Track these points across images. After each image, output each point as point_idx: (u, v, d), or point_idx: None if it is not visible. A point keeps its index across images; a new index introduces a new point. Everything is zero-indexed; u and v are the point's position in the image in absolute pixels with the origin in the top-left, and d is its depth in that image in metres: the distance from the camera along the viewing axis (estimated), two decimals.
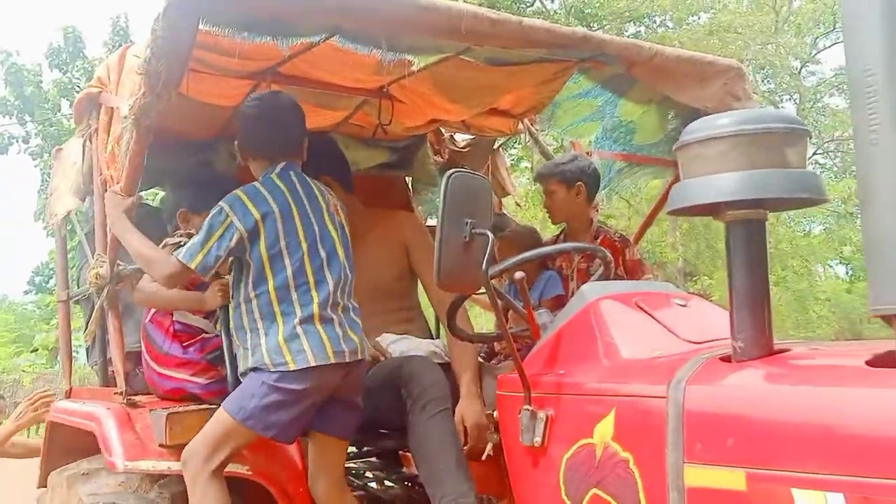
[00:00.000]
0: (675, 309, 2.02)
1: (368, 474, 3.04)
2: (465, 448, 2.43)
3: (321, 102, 3.16)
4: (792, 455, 1.33)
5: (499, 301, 1.98)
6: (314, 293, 2.20)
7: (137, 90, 2.14)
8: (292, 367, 2.14)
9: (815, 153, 19.87)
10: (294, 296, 2.20)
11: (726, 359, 1.58)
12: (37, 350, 16.49)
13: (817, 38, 20.19)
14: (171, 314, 2.60)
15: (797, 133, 1.53)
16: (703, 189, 1.52)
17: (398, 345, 2.75)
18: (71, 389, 3.07)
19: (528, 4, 17.07)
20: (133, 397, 2.55)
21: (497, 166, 4.01)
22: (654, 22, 18.89)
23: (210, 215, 2.22)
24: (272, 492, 2.39)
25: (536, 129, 3.84)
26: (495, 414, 2.23)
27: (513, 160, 10.75)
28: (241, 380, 2.27)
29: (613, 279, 2.46)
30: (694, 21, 18.87)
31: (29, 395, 3.67)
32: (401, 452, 3.01)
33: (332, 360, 2.17)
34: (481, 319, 8.56)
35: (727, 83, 2.70)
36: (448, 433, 2.37)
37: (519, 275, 2.01)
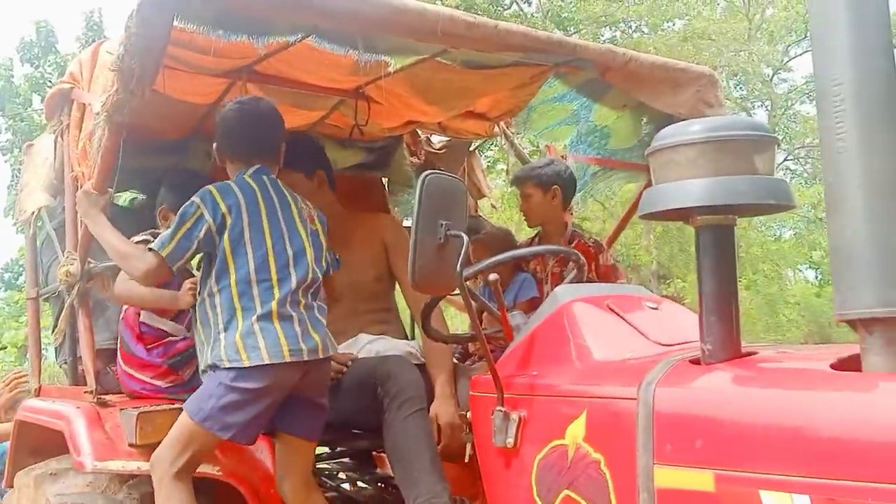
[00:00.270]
0: (646, 312, 2.04)
1: (342, 475, 3.03)
2: (438, 447, 2.43)
3: (297, 102, 3.15)
4: (759, 457, 1.35)
5: (473, 302, 1.99)
6: (276, 290, 2.20)
7: (110, 86, 2.12)
8: (246, 363, 2.12)
9: (785, 159, 20.18)
10: (255, 291, 2.19)
11: (696, 361, 1.60)
12: (6, 348, 16.19)
13: (789, 46, 20.51)
14: (139, 314, 2.60)
15: (765, 141, 1.55)
16: (673, 194, 1.54)
17: (374, 345, 2.76)
18: (40, 388, 3.03)
19: (505, 7, 17.14)
20: (103, 396, 2.52)
21: (473, 168, 4.03)
22: (630, 27, 19.07)
23: (182, 208, 2.24)
24: (243, 493, 2.37)
25: (512, 133, 3.87)
26: (469, 414, 2.24)
27: (489, 162, 10.78)
28: (202, 379, 2.26)
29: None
30: (669, 27, 19.08)
31: None
32: (374, 453, 3.02)
33: (288, 359, 2.16)
34: (456, 321, 8.57)
35: (700, 90, 2.73)
36: (424, 433, 2.37)
37: (493, 276, 2.02)
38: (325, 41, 2.37)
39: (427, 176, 1.81)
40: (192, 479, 2.21)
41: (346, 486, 2.97)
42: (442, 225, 1.79)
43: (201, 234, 2.20)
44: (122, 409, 2.41)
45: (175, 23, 2.02)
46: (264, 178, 2.34)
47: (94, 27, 13.79)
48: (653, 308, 2.07)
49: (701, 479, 1.42)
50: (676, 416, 1.52)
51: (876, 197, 1.30)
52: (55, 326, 2.88)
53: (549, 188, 3.18)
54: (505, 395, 1.89)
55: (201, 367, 2.27)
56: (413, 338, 3.25)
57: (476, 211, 4.10)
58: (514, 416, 1.86)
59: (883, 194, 1.30)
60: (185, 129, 3.20)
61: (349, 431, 2.69)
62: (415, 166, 3.82)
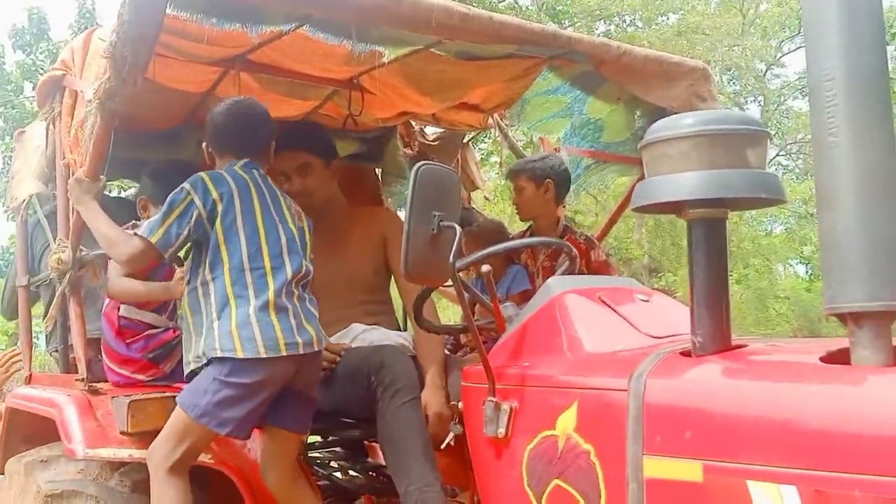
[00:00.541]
0: (637, 304, 2.04)
1: (333, 464, 3.04)
2: None
3: (291, 92, 3.14)
4: (747, 448, 1.36)
5: (465, 293, 2.00)
6: (270, 279, 2.19)
7: (103, 74, 2.11)
8: (241, 355, 2.11)
9: (777, 155, 20.22)
10: (248, 279, 2.18)
11: (686, 353, 1.61)
12: None
13: (782, 41, 20.52)
14: (119, 308, 2.60)
15: (757, 135, 1.56)
16: (665, 187, 1.55)
17: (368, 334, 2.76)
18: (31, 375, 3.02)
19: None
20: (94, 384, 2.52)
21: (466, 160, 4.03)
22: (624, 21, 19.05)
23: (172, 194, 2.22)
24: (235, 481, 2.38)
25: (506, 125, 3.87)
26: (460, 405, 2.25)
27: (482, 154, 10.77)
28: (186, 369, 2.25)
29: None
30: (663, 21, 19.06)
31: None
32: (366, 442, 3.03)
33: (284, 353, 2.15)
34: (448, 312, 8.58)
35: (693, 84, 2.74)
36: (417, 422, 2.38)
37: (486, 268, 2.02)
38: (319, 31, 2.37)
39: (421, 166, 1.81)
40: None
41: (338, 474, 2.98)
42: (435, 216, 1.79)
43: (192, 222, 2.18)
44: (113, 397, 2.41)
45: (168, 10, 2.01)
46: (255, 171, 2.35)
47: (86, 14, 13.65)
48: (644, 300, 2.08)
49: (689, 470, 1.43)
50: (666, 407, 1.53)
51: (867, 192, 1.30)
52: (46, 314, 2.88)
53: (542, 182, 3.19)
54: (496, 386, 1.90)
55: (188, 357, 2.25)
56: (406, 329, 3.26)
57: (469, 203, 4.10)
58: (506, 406, 1.87)
59: (873, 190, 1.30)
60: (178, 118, 3.19)
61: (341, 420, 2.70)
62: (408, 157, 3.81)
